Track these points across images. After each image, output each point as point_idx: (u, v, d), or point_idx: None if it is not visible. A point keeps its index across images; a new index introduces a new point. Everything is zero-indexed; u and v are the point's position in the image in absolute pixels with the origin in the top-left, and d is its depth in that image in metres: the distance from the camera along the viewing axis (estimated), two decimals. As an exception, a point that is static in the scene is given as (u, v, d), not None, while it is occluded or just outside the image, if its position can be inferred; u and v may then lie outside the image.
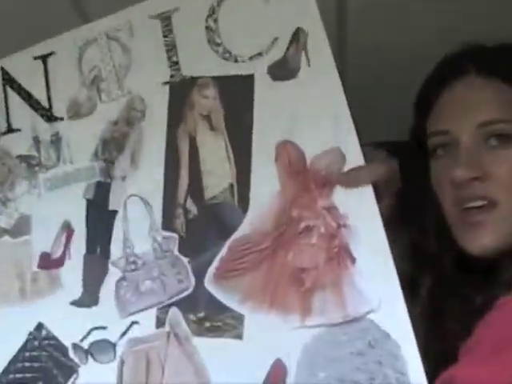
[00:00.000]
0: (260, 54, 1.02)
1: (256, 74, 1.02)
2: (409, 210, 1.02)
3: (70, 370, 1.05)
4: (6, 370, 1.09)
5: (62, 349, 1.06)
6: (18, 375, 1.08)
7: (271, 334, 0.95)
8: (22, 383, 1.07)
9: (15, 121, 1.14)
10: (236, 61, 1.03)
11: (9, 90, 1.15)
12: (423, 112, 1.05)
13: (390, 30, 1.44)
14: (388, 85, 1.46)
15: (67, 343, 1.06)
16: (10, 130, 1.14)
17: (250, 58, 1.02)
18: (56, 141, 1.10)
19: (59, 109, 1.12)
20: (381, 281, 0.91)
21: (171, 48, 1.06)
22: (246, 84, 1.02)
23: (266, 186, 0.99)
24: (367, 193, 0.95)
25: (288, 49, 1.01)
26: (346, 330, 0.93)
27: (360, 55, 1.48)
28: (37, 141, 1.12)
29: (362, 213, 0.95)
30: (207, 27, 1.05)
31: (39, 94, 1.13)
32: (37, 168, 1.11)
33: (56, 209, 1.10)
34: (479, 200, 0.95)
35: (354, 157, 0.96)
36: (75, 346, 1.05)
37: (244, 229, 1.00)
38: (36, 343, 1.07)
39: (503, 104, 0.96)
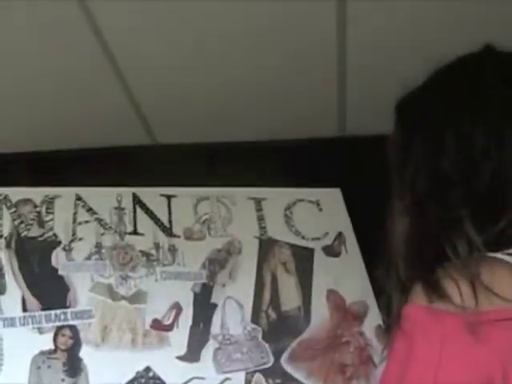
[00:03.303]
0: (318, 239, 1.65)
1: (315, 250, 1.63)
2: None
3: (172, 404, 1.33)
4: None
5: (166, 388, 1.35)
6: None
7: (326, 401, 1.42)
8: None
9: (140, 228, 1.54)
10: (303, 238, 1.63)
11: (138, 208, 1.56)
12: None
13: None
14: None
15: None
16: (135, 233, 1.53)
17: (312, 239, 1.64)
18: (173, 250, 1.52)
19: (177, 230, 1.56)
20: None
21: (261, 219, 1.63)
22: (308, 253, 1.62)
23: (321, 312, 1.53)
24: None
25: (334, 241, 1.66)
26: (372, 407, 1.44)
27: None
28: (157, 246, 1.52)
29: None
30: (285, 215, 1.66)
31: (162, 216, 1.57)
32: (155, 263, 1.50)
33: (168, 292, 1.48)
34: None
35: (373, 308, 1.57)
36: (178, 387, 1.35)
37: (306, 335, 1.50)
38: (143, 380, 1.34)
39: None
